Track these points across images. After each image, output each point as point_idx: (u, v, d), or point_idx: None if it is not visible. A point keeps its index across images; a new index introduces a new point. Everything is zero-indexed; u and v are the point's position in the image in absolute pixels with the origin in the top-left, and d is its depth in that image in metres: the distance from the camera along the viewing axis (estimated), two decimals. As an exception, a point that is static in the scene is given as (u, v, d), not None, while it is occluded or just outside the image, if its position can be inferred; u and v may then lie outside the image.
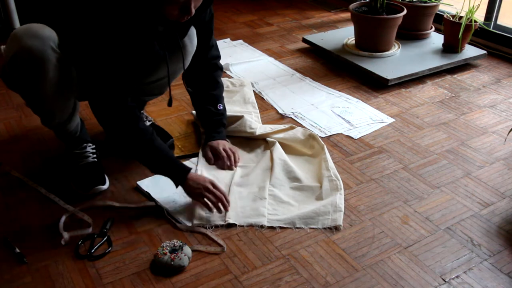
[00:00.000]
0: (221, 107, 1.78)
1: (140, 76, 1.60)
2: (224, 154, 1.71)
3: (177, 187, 1.51)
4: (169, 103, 1.64)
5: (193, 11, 1.34)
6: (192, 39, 1.61)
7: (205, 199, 1.47)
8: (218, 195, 1.48)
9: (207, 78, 1.76)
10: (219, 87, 1.79)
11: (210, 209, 1.48)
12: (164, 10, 1.33)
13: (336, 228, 1.47)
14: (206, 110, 1.76)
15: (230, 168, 1.71)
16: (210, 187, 1.48)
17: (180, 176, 1.49)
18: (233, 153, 1.74)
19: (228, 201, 1.49)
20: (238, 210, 1.52)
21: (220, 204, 1.48)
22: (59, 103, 1.49)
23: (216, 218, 1.48)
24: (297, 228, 1.47)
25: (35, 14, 1.52)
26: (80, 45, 1.38)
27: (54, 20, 1.44)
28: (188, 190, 1.50)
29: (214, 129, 1.77)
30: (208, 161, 1.73)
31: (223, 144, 1.74)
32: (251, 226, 1.48)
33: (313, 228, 1.47)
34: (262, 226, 1.47)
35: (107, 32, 1.34)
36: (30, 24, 1.44)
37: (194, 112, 2.03)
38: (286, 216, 1.50)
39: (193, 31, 1.60)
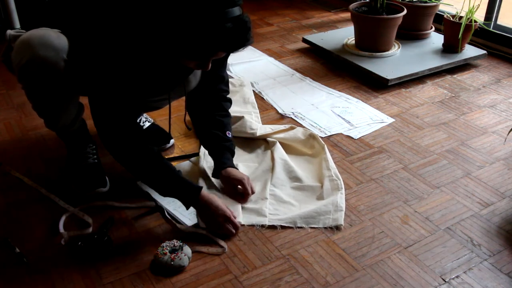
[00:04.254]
0: (230, 135, 1.63)
1: (141, 97, 1.60)
2: (249, 190, 1.54)
3: (187, 208, 1.44)
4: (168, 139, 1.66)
5: (210, 66, 1.34)
6: (196, 75, 1.59)
7: (217, 228, 1.44)
8: (229, 231, 1.43)
9: (215, 105, 1.65)
10: (228, 116, 1.67)
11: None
12: (181, 60, 1.33)
13: (337, 228, 1.47)
14: (213, 135, 1.61)
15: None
16: (222, 221, 1.42)
17: (192, 196, 1.42)
18: (252, 187, 1.57)
19: (237, 231, 1.45)
20: (239, 211, 1.52)
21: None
22: (65, 108, 1.49)
23: None
24: (298, 227, 1.47)
25: (39, 21, 1.48)
26: (89, 65, 1.36)
27: (64, 30, 1.42)
28: (201, 216, 1.45)
29: (223, 155, 1.59)
30: (230, 194, 1.57)
31: (243, 178, 1.55)
32: (252, 226, 1.48)
33: (313, 227, 1.47)
34: (263, 226, 1.48)
35: (118, 56, 1.33)
36: (45, 30, 1.39)
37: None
38: (287, 215, 1.50)
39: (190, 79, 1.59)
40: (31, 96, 1.45)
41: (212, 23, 1.20)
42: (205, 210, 1.42)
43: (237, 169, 1.60)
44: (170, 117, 1.63)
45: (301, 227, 1.47)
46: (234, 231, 1.43)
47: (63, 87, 1.42)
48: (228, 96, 1.70)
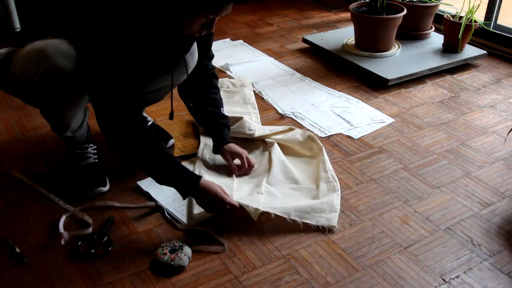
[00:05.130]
0: (223, 111, 1.74)
1: (141, 86, 1.60)
2: (246, 165, 1.67)
3: (184, 198, 1.44)
4: (171, 116, 1.66)
5: (214, 27, 1.36)
6: (193, 55, 1.61)
7: (214, 211, 1.46)
8: (232, 206, 1.45)
9: (205, 83, 1.73)
10: (218, 92, 1.77)
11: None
12: (185, 23, 1.32)
13: (330, 230, 1.47)
14: (210, 113, 1.71)
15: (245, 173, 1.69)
16: (221, 203, 1.44)
17: (191, 184, 1.42)
18: (250, 163, 1.69)
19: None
20: (234, 200, 1.52)
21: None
22: (75, 114, 1.49)
23: None
24: (292, 219, 1.46)
25: (39, 19, 1.48)
26: (87, 52, 1.35)
27: (61, 26, 1.41)
28: (200, 202, 1.45)
29: (223, 131, 1.70)
30: (233, 171, 1.67)
31: (244, 152, 1.69)
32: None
33: (306, 223, 1.47)
34: (257, 209, 1.46)
35: (116, 40, 1.32)
36: (59, 41, 1.37)
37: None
38: (282, 205, 1.50)
39: (195, 46, 1.60)
40: (45, 105, 1.44)
41: None
42: (204, 195, 1.43)
43: (230, 140, 1.69)
44: (172, 100, 1.63)
45: (294, 221, 1.46)
46: (235, 206, 1.45)
47: (76, 92, 1.41)
48: (214, 72, 1.77)
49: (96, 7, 1.31)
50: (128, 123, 1.39)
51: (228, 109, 1.93)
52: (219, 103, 1.74)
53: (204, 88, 1.73)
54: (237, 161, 1.69)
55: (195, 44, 1.60)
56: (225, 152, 1.68)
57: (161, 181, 1.43)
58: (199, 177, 1.44)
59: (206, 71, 1.72)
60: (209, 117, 1.71)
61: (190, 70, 1.61)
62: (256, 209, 1.46)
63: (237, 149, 1.68)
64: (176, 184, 1.42)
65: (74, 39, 1.38)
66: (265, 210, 1.47)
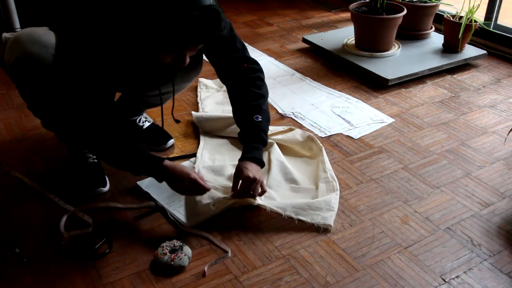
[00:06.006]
0: (259, 119, 1.54)
1: (134, 92, 1.60)
2: (244, 183, 1.46)
3: (160, 182, 1.43)
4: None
5: (187, 61, 1.32)
6: (190, 76, 1.62)
7: (187, 192, 1.46)
8: (197, 193, 1.45)
9: (242, 90, 1.60)
10: (257, 97, 1.59)
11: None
12: (158, 56, 1.32)
13: (326, 229, 1.46)
14: (241, 123, 1.57)
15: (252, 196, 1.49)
16: (187, 185, 1.41)
17: (156, 168, 1.40)
18: (257, 182, 1.46)
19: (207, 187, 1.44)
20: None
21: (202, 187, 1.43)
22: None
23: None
24: (287, 215, 1.47)
25: (35, 18, 1.50)
26: (68, 48, 1.35)
27: (53, 26, 1.43)
28: (170, 185, 1.43)
29: (249, 143, 1.54)
30: (232, 188, 1.50)
31: (252, 170, 1.46)
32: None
33: (303, 222, 1.47)
34: (251, 203, 1.49)
35: (101, 45, 1.32)
36: (34, 28, 1.41)
37: (193, 112, 2.03)
38: (278, 201, 1.52)
39: (189, 69, 1.60)
40: (24, 94, 1.45)
41: (178, 11, 1.19)
42: (171, 177, 1.41)
43: (259, 158, 1.51)
44: (162, 113, 1.64)
45: (290, 217, 1.47)
46: (202, 191, 1.43)
47: (54, 83, 1.41)
48: (257, 74, 1.64)
49: (88, 11, 1.32)
50: (93, 118, 1.37)
51: (228, 109, 1.93)
52: (253, 110, 1.56)
53: (238, 96, 1.61)
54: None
55: (201, 59, 1.61)
56: (237, 167, 1.49)
57: (134, 172, 1.46)
58: (162, 159, 1.42)
59: (240, 74, 1.61)
60: (240, 128, 1.58)
61: (178, 92, 1.64)
62: (251, 203, 1.49)
63: (247, 170, 1.45)
64: (146, 171, 1.43)
65: (60, 34, 1.39)
66: (261, 203, 1.49)
